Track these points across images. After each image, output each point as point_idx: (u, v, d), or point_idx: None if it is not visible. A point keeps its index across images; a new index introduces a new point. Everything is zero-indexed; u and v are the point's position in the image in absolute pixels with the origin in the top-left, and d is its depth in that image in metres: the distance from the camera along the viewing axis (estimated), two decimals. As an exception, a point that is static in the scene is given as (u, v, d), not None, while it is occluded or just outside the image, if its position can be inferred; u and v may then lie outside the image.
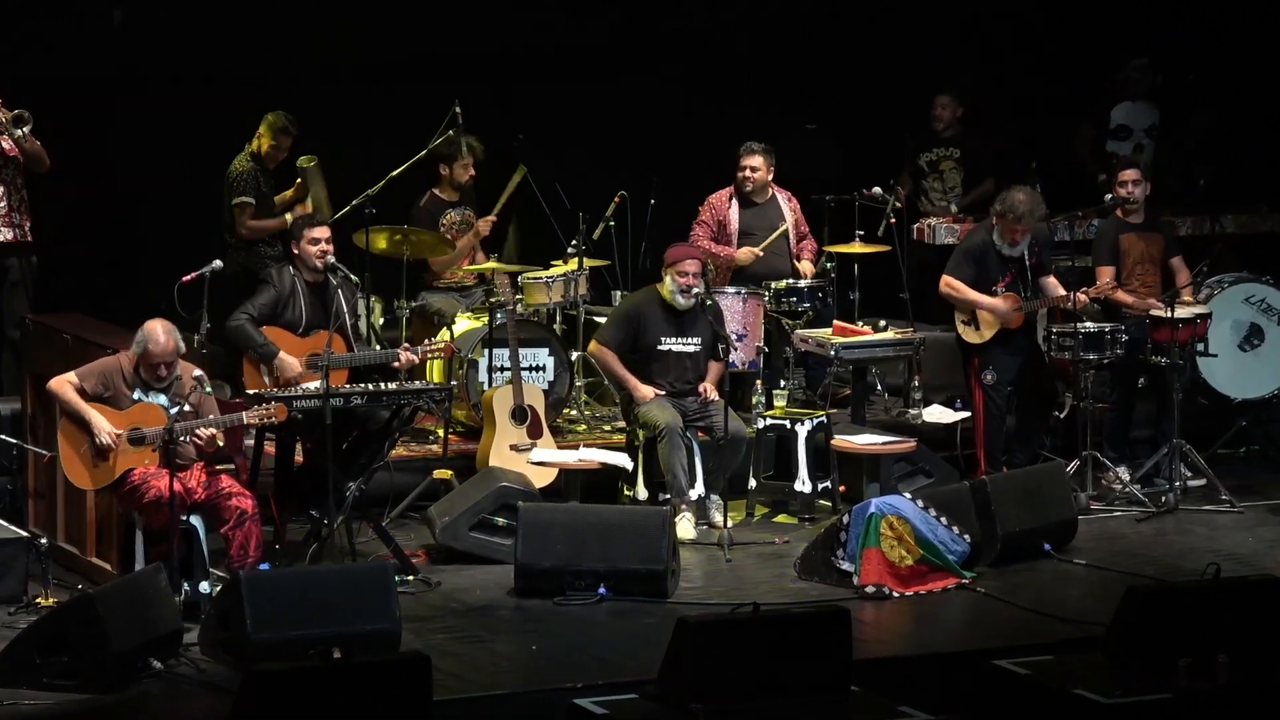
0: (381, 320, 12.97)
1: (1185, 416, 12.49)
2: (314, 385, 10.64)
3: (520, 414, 11.91)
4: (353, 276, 11.52)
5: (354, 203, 12.80)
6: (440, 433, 12.33)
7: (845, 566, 10.64)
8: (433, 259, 13.16)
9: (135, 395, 10.13)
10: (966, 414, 12.80)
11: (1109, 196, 12.82)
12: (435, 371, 12.41)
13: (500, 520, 11.06)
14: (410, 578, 10.59)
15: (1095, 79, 15.37)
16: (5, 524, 10.78)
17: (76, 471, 10.14)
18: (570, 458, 11.71)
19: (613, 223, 13.60)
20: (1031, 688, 8.59)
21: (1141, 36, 15.41)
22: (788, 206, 13.22)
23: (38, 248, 12.43)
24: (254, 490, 10.59)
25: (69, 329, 11.07)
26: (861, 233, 13.34)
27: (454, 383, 12.06)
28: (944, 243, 14.00)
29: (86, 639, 8.97)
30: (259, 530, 10.22)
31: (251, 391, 10.81)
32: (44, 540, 10.49)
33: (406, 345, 11.40)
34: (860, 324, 12.88)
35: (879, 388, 13.70)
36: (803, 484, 11.98)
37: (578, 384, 13.07)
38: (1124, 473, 12.50)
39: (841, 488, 12.08)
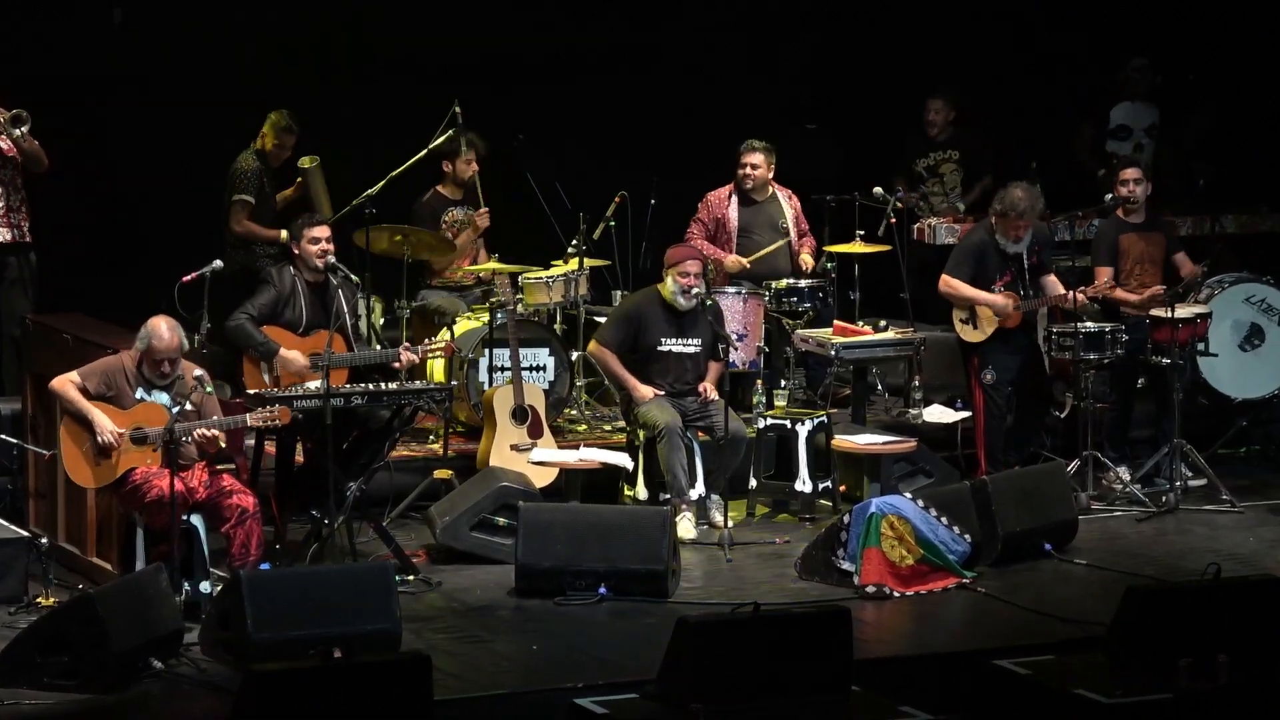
0: (382, 320, 12.96)
1: (1186, 416, 12.49)
2: (314, 385, 10.65)
3: (521, 414, 11.91)
4: (353, 276, 11.51)
5: (354, 203, 12.80)
6: (440, 432, 12.34)
7: (846, 566, 10.64)
8: (433, 259, 13.15)
9: (138, 394, 10.14)
10: (967, 414, 12.80)
11: (1109, 196, 12.82)
12: (437, 372, 12.40)
13: (501, 520, 11.06)
14: (411, 578, 10.59)
15: (1095, 79, 15.38)
16: (5, 524, 10.78)
17: (78, 470, 10.13)
18: (570, 458, 11.71)
19: (613, 223, 13.59)
20: (1032, 688, 8.58)
21: (1141, 36, 15.41)
22: (788, 204, 13.22)
23: (37, 247, 12.43)
24: (255, 490, 10.58)
25: (69, 329, 11.07)
26: (862, 233, 13.34)
27: (454, 382, 12.05)
28: (944, 243, 13.99)
29: (87, 639, 8.97)
30: (260, 529, 10.22)
31: (252, 391, 10.80)
32: (44, 540, 10.49)
33: (407, 345, 11.39)
34: (860, 324, 12.87)
35: (879, 388, 13.70)
36: (803, 484, 11.98)
37: (578, 384, 13.07)
38: (1124, 473, 12.50)
39: (842, 488, 12.08)
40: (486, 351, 12.50)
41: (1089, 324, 12.40)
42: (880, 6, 15.60)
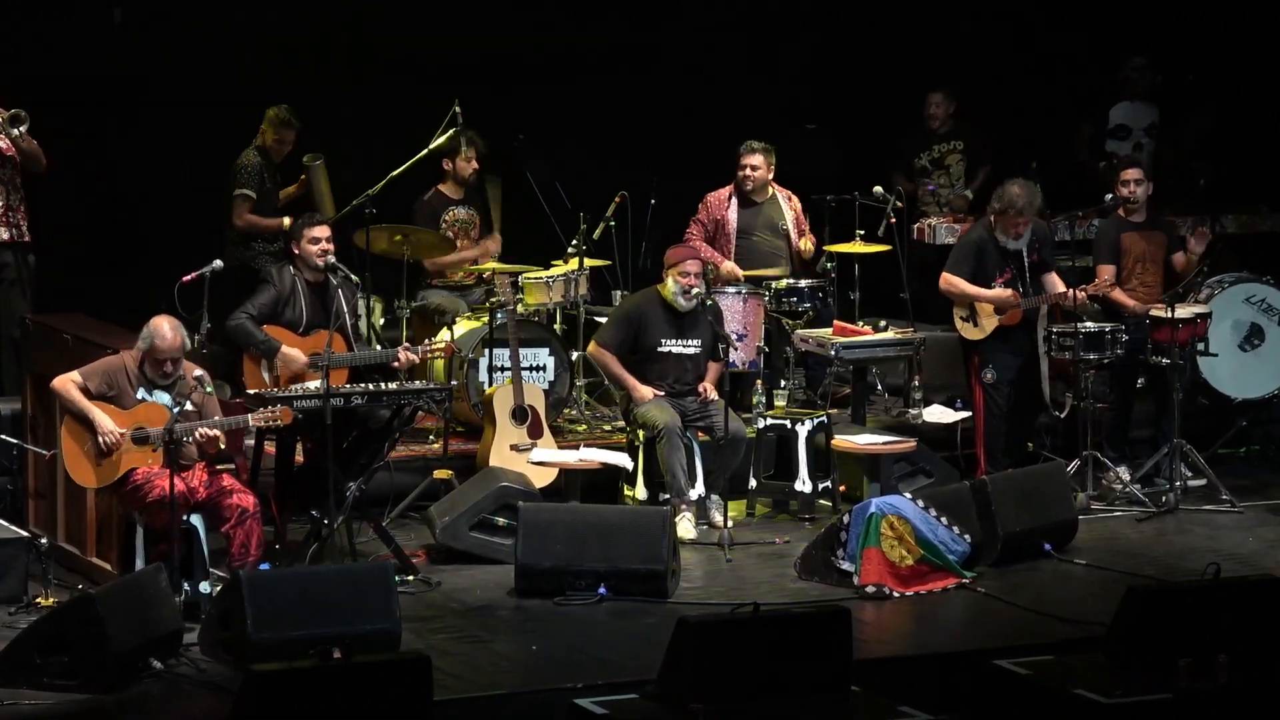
0: (382, 320, 12.96)
1: (1186, 416, 12.49)
2: (314, 385, 10.65)
3: (521, 414, 11.91)
4: (353, 276, 11.51)
5: (354, 202, 12.80)
6: (440, 432, 12.34)
7: (845, 566, 10.63)
8: (431, 260, 13.15)
9: (139, 394, 10.14)
10: (967, 414, 12.80)
11: (1110, 196, 12.82)
12: (438, 372, 12.40)
13: (500, 520, 11.06)
14: (410, 578, 10.58)
15: (1095, 78, 15.37)
16: (5, 524, 10.78)
17: (79, 470, 10.13)
18: (570, 458, 11.71)
19: (613, 223, 13.59)
20: (1032, 688, 8.58)
21: (1141, 36, 15.41)
22: (788, 206, 13.22)
23: (36, 247, 12.43)
24: (255, 490, 10.58)
25: (69, 329, 11.07)
26: (862, 233, 13.34)
27: (454, 382, 12.05)
28: (944, 242, 13.99)
29: (86, 639, 8.96)
30: (260, 528, 10.23)
31: (252, 391, 10.80)
32: (44, 540, 10.48)
33: (406, 345, 11.40)
34: (860, 324, 12.87)
35: (879, 388, 13.70)
36: (803, 484, 11.98)
37: (578, 384, 13.06)
38: (1124, 473, 12.50)
39: (841, 488, 12.08)
40: (486, 351, 12.50)
41: (1089, 324, 12.40)
42: (880, 6, 15.60)
